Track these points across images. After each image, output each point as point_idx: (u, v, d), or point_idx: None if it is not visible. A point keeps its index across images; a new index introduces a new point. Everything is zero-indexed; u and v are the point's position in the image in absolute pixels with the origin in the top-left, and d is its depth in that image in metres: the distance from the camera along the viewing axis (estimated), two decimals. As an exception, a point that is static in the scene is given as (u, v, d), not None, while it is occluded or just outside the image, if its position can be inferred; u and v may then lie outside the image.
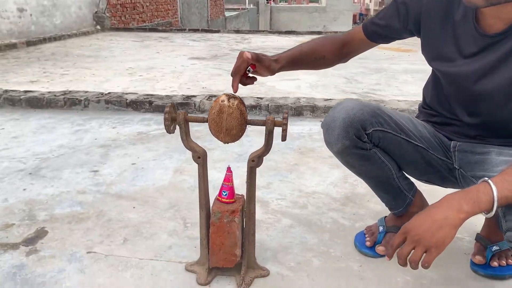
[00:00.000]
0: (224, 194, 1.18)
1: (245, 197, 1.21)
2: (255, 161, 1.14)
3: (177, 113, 1.12)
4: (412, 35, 1.21)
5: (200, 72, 4.38)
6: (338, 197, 1.72)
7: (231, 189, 1.18)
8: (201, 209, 1.20)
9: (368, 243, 1.35)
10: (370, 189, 1.76)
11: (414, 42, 7.32)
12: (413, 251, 0.90)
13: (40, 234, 1.44)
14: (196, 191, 1.74)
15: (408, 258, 0.92)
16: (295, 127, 2.61)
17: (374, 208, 1.63)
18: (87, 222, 1.52)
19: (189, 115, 1.13)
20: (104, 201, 1.68)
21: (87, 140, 2.38)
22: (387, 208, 1.39)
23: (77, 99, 2.97)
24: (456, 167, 1.20)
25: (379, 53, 6.00)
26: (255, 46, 6.58)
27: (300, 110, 2.82)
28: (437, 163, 1.22)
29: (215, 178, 1.75)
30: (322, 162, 2.07)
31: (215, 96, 3.04)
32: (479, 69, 1.07)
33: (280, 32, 8.66)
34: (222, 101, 1.07)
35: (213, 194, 1.22)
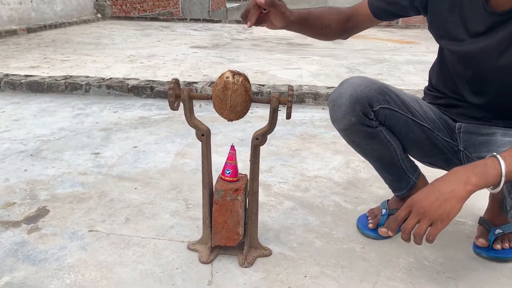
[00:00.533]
0: (227, 172, 1.17)
1: (248, 176, 1.21)
2: (259, 139, 1.13)
3: (181, 90, 1.11)
4: (418, 13, 1.19)
5: (202, 60, 4.36)
6: (340, 181, 1.72)
7: (235, 168, 1.17)
8: (204, 187, 1.19)
9: (370, 225, 1.35)
10: (373, 174, 1.77)
11: (417, 35, 7.31)
12: (417, 224, 0.90)
13: (42, 212, 1.44)
14: (198, 173, 1.74)
15: (412, 232, 0.91)
16: (297, 113, 2.60)
17: (377, 192, 1.63)
18: (88, 202, 1.51)
19: (193, 92, 1.13)
20: (105, 182, 1.67)
21: (88, 123, 2.37)
22: (390, 191, 1.39)
23: (78, 83, 2.95)
24: (461, 148, 1.20)
25: (381, 44, 5.98)
26: (257, 36, 6.55)
27: (302, 97, 2.81)
28: (442, 144, 1.22)
29: (217, 162, 1.74)
30: (324, 148, 2.06)
31: (216, 82, 3.02)
32: (488, 47, 1.06)
33: (281, 23, 8.60)
34: (227, 77, 1.06)
35: (215, 176, 1.22)
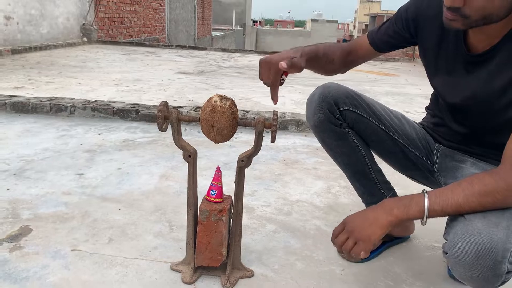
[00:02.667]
0: (212, 193, 1.20)
1: (232, 198, 1.24)
2: (244, 161, 1.17)
3: (170, 112, 1.14)
4: (415, 42, 1.23)
5: (187, 85, 4.42)
6: (321, 206, 1.76)
7: (220, 189, 1.20)
8: (189, 207, 1.22)
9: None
10: (352, 200, 1.82)
11: (397, 67, 7.54)
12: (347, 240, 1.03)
13: (24, 231, 1.44)
14: (181, 196, 1.76)
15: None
16: (281, 139, 2.65)
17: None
18: (72, 222, 1.52)
19: (181, 115, 1.16)
20: (89, 202, 1.68)
21: (72, 144, 2.37)
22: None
23: (63, 105, 2.96)
24: (435, 169, 1.26)
25: (361, 75, 6.16)
26: (241, 64, 6.67)
27: (285, 124, 2.87)
28: (417, 161, 1.28)
29: (202, 185, 1.76)
30: (306, 173, 2.11)
31: (201, 108, 3.07)
32: (466, 86, 1.11)
33: (266, 52, 8.79)
34: (214, 101, 1.11)
35: (200, 198, 1.25)
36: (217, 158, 2.22)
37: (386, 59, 8.73)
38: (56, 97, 3.16)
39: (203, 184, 1.79)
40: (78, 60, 5.99)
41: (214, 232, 1.18)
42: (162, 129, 1.15)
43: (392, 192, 1.38)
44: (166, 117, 1.15)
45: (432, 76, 1.21)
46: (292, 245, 1.44)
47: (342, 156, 1.31)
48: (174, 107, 2.94)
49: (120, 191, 1.79)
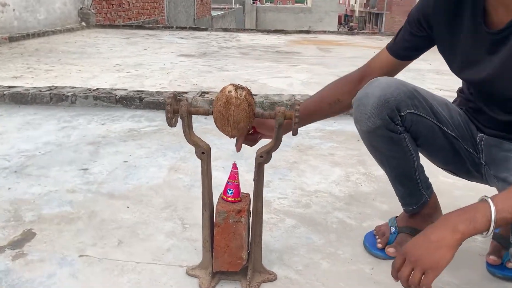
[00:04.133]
0: (229, 192, 1.09)
1: (251, 196, 1.13)
2: (263, 157, 1.06)
3: (179, 105, 1.03)
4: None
5: (190, 69, 4.28)
6: (341, 196, 1.65)
7: (237, 187, 1.10)
8: (204, 208, 1.11)
9: (379, 245, 1.28)
10: (374, 188, 1.72)
11: (403, 42, 7.33)
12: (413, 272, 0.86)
13: (27, 236, 1.34)
14: (192, 190, 1.66)
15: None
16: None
17: (380, 207, 1.57)
18: (77, 223, 1.42)
19: (192, 107, 1.05)
20: (95, 200, 1.58)
21: (75, 137, 2.27)
22: (394, 206, 1.34)
23: (63, 94, 2.85)
24: (483, 162, 1.15)
25: (370, 52, 5.97)
26: (244, 44, 6.50)
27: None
28: (464, 154, 1.17)
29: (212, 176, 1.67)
30: (322, 160, 2.00)
31: (207, 92, 2.95)
32: (494, 70, 1.00)
33: (268, 31, 8.60)
34: (229, 91, 0.99)
35: (214, 198, 1.14)
36: (228, 146, 2.11)
37: (392, 33, 8.51)
38: (56, 86, 3.05)
39: (214, 175, 1.69)
40: (77, 46, 5.84)
41: (233, 234, 1.08)
42: (172, 124, 1.04)
43: (430, 190, 1.27)
44: (176, 111, 1.04)
45: (457, 69, 1.12)
46: (315, 241, 1.34)
47: (390, 159, 1.20)
48: (179, 93, 2.82)
49: (127, 187, 1.69)
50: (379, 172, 1.86)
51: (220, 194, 1.12)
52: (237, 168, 1.10)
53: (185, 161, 1.94)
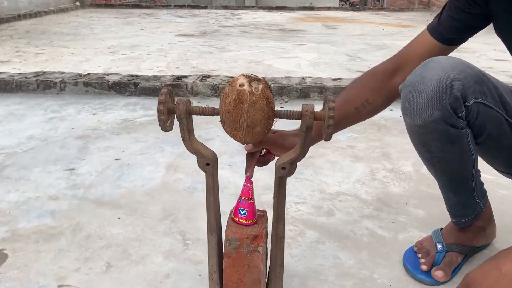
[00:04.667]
0: (242, 213, 0.86)
1: (268, 214, 0.90)
2: (286, 169, 0.82)
3: (176, 103, 0.79)
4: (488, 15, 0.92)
5: (189, 49, 4.01)
6: (369, 199, 1.42)
7: (252, 206, 0.86)
8: (210, 232, 0.88)
9: (424, 266, 1.05)
10: (405, 188, 1.48)
11: (412, 18, 7.01)
12: None
13: (-3, 259, 1.12)
14: (195, 194, 1.43)
15: None
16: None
17: (416, 213, 1.33)
18: (59, 240, 1.19)
19: (193, 105, 0.81)
20: (81, 209, 1.35)
21: (62, 129, 2.02)
22: (432, 212, 1.13)
23: (51, 81, 2.60)
24: None
25: (377, 29, 5.68)
26: (246, 22, 6.19)
27: (306, 91, 2.50)
28: None
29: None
30: (342, 154, 1.76)
31: (208, 76, 2.69)
32: None
33: (270, 8, 8.25)
34: (241, 85, 0.75)
35: (222, 217, 0.91)
36: (234, 140, 1.86)
37: (400, 9, 8.16)
38: (43, 72, 2.79)
39: (219, 175, 1.46)
40: (70, 27, 5.55)
41: (248, 267, 0.85)
42: (166, 127, 0.80)
43: (485, 199, 1.04)
44: (171, 111, 0.80)
45: None
46: (344, 262, 1.11)
47: (443, 161, 0.95)
48: (178, 77, 2.57)
49: (119, 191, 1.46)
50: (408, 167, 1.62)
51: (230, 214, 0.88)
52: (251, 182, 0.86)
53: (186, 157, 1.70)
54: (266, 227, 0.87)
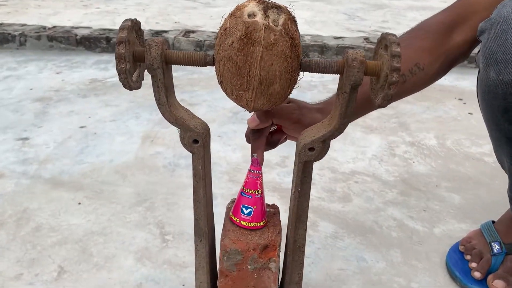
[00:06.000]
0: (245, 212, 0.58)
1: (280, 210, 0.63)
2: (316, 150, 0.54)
3: (146, 45, 0.49)
4: None
5: (171, 4, 3.62)
6: (391, 180, 1.16)
7: (260, 203, 0.59)
8: (199, 238, 0.61)
9: (477, 274, 0.80)
10: (432, 166, 1.23)
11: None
12: None
13: None
14: (177, 172, 1.15)
15: None
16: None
17: (450, 198, 1.08)
18: (-2, 234, 0.91)
19: (172, 50, 0.52)
20: (32, 191, 1.06)
21: (18, 90, 1.70)
22: (475, 196, 0.87)
23: (9, 34, 2.23)
24: None
25: (374, -12, 5.32)
26: (233, -21, 5.75)
27: (305, 50, 2.20)
28: None
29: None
30: (352, 124, 1.48)
31: (192, 31, 2.36)
32: None
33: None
34: (250, 15, 0.46)
35: (216, 219, 0.63)
36: (224, 104, 1.57)
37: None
38: (1, 24, 2.41)
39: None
40: (40, -21, 5.05)
41: (254, 290, 0.58)
42: (131, 83, 0.51)
43: None
44: (139, 57, 0.51)
45: None
46: (371, 265, 0.86)
47: None
48: (157, 32, 2.24)
49: (82, 168, 1.17)
50: (431, 140, 1.37)
51: (229, 213, 0.61)
52: (260, 168, 0.58)
53: (167, 125, 1.41)
54: (280, 232, 0.60)
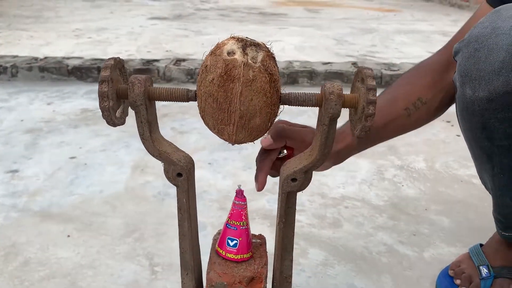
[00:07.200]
0: (231, 244, 0.59)
1: (267, 240, 0.63)
2: (298, 181, 0.55)
3: (129, 82, 0.50)
4: None
5: (163, 33, 3.67)
6: (380, 204, 1.16)
7: (246, 234, 0.59)
8: (185, 271, 0.61)
9: (467, 299, 0.81)
10: (421, 189, 1.24)
11: (396, 2, 6.80)
12: None
13: None
14: (166, 201, 1.15)
15: None
16: (292, 98, 2.02)
17: (439, 222, 1.09)
18: (-15, 270, 0.90)
19: (154, 85, 0.53)
20: (20, 224, 1.05)
21: (9, 122, 1.70)
22: (460, 222, 0.89)
23: (1, 66, 2.25)
24: None
25: (362, 13, 5.44)
26: (224, 6, 5.86)
27: (294, 76, 2.23)
28: None
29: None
30: (341, 148, 1.50)
31: (183, 60, 2.39)
32: None
33: (248, -8, 7.89)
34: (230, 53, 0.47)
35: (202, 250, 0.64)
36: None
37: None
38: (-7, 56, 2.44)
39: (197, 177, 1.19)
40: (33, 10, 5.12)
41: (241, 324, 0.58)
42: (114, 120, 0.52)
43: None
44: (122, 94, 0.52)
45: None
46: (362, 292, 0.86)
47: (506, 152, 0.68)
48: (148, 61, 2.26)
49: (71, 199, 1.17)
50: (419, 163, 1.38)
51: (214, 245, 0.61)
52: (245, 199, 0.59)
53: (157, 154, 1.42)
54: (267, 263, 0.60)
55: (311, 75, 2.21)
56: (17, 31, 3.67)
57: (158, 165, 1.32)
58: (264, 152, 0.66)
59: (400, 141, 1.57)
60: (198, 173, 1.22)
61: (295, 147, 0.67)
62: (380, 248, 0.99)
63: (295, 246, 0.95)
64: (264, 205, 1.14)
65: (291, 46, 3.23)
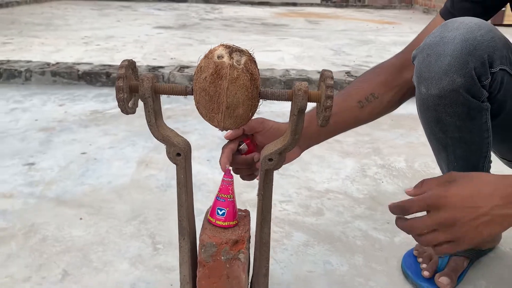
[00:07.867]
0: (220, 213, 0.72)
1: (251, 215, 0.76)
2: (274, 160, 0.68)
3: (139, 79, 0.64)
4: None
5: (168, 41, 3.83)
6: (360, 197, 1.29)
7: (232, 205, 0.72)
8: (182, 236, 0.74)
9: (426, 273, 0.93)
10: (399, 185, 1.36)
11: (395, 15, 6.96)
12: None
13: None
14: (168, 191, 1.28)
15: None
16: (287, 103, 2.15)
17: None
18: (9, 245, 1.03)
19: (160, 83, 0.66)
20: (38, 209, 1.19)
21: (24, 121, 1.85)
22: None
23: (16, 70, 2.40)
24: None
25: (361, 25, 5.60)
26: (227, 16, 6.03)
27: (290, 84, 2.37)
28: None
29: (194, 172, 1.29)
30: (329, 149, 1.63)
31: (187, 67, 2.54)
32: None
33: (252, 3, 8.10)
34: (219, 57, 0.61)
35: (197, 219, 0.77)
36: (213, 132, 1.72)
37: (383, 7, 8.11)
38: (8, 60, 2.59)
39: (197, 171, 1.33)
40: (43, 18, 5.30)
41: (227, 278, 0.71)
42: (127, 108, 0.66)
43: None
44: (134, 89, 0.65)
45: None
46: (336, 268, 0.98)
47: (459, 144, 0.83)
48: (154, 68, 2.41)
49: (83, 188, 1.30)
50: (400, 163, 1.51)
51: (206, 215, 0.74)
52: (232, 176, 0.72)
53: (160, 151, 1.55)
54: (249, 230, 0.73)
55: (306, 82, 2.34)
56: (29, 38, 3.84)
57: (162, 161, 1.46)
58: (227, 142, 0.79)
59: (384, 144, 1.70)
60: (197, 168, 1.36)
61: (266, 134, 0.79)
62: (356, 233, 1.11)
63: (281, 229, 1.09)
64: (255, 197, 1.26)
65: (291, 56, 3.38)
